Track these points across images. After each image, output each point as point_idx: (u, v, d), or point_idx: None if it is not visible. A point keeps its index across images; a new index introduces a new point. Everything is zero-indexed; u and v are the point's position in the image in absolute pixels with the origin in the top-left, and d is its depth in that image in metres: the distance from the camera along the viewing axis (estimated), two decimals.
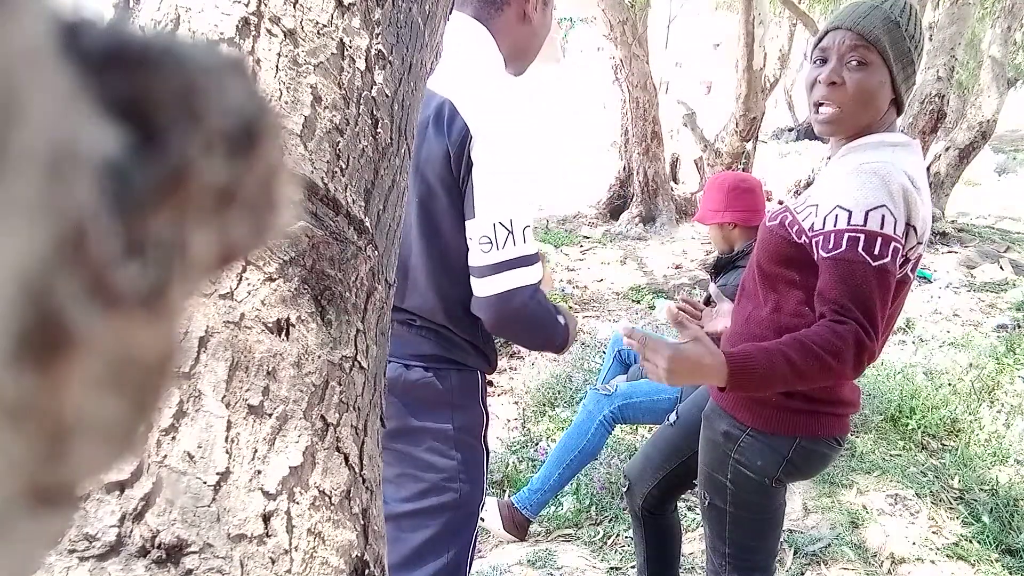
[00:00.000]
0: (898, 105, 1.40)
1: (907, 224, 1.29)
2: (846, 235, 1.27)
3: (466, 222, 1.26)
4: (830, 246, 1.29)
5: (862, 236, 1.25)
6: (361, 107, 0.69)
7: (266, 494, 0.60)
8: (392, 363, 1.34)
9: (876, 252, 1.25)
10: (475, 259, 1.25)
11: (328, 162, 0.66)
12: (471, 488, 1.41)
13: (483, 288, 1.26)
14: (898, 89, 1.38)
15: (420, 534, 1.38)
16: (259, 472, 0.60)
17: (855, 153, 1.37)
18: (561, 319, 1.38)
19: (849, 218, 1.27)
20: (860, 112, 1.38)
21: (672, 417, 1.95)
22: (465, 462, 1.40)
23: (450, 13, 0.87)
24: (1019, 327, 4.60)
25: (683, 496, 2.32)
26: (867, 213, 1.26)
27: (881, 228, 1.25)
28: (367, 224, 0.70)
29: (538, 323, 1.32)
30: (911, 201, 1.28)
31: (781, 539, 2.48)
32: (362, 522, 0.68)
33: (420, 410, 1.37)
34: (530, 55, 1.44)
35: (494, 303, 1.26)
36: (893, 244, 1.25)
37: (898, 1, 1.36)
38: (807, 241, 1.35)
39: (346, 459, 0.66)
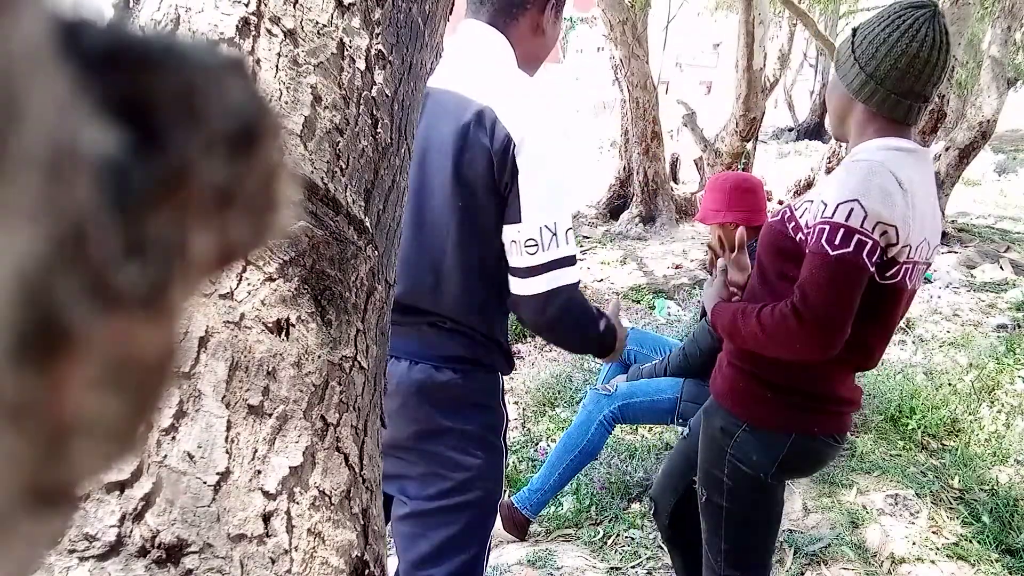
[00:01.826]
0: (891, 113, 1.38)
1: (882, 223, 1.29)
2: (817, 228, 1.32)
3: (507, 225, 1.30)
4: (809, 239, 1.35)
5: (827, 228, 1.30)
6: (361, 107, 0.69)
7: (266, 494, 0.60)
8: (421, 364, 1.38)
9: (836, 243, 1.28)
10: (519, 260, 1.30)
11: (328, 162, 0.66)
12: (493, 486, 1.45)
13: (527, 287, 1.30)
14: (868, 102, 1.39)
15: (444, 531, 1.41)
16: (259, 472, 0.60)
17: (858, 154, 1.40)
18: (603, 322, 1.42)
19: (823, 211, 1.32)
20: (833, 119, 1.49)
21: (684, 431, 1.97)
22: (488, 461, 1.43)
23: (450, 14, 0.87)
24: (1019, 327, 4.60)
25: None
26: (838, 206, 1.30)
27: (846, 220, 1.28)
28: (367, 224, 0.70)
29: (580, 321, 1.37)
30: (892, 202, 1.29)
31: (781, 539, 2.48)
32: (362, 522, 0.68)
33: (448, 410, 1.40)
34: (537, 66, 1.47)
35: (538, 303, 1.31)
36: (857, 236, 1.28)
37: (888, 11, 1.37)
38: (803, 238, 1.38)
39: (346, 459, 0.67)
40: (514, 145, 1.27)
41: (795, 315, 1.30)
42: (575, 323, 1.37)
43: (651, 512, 2.05)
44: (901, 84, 1.35)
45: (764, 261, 1.49)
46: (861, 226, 1.28)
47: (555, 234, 1.28)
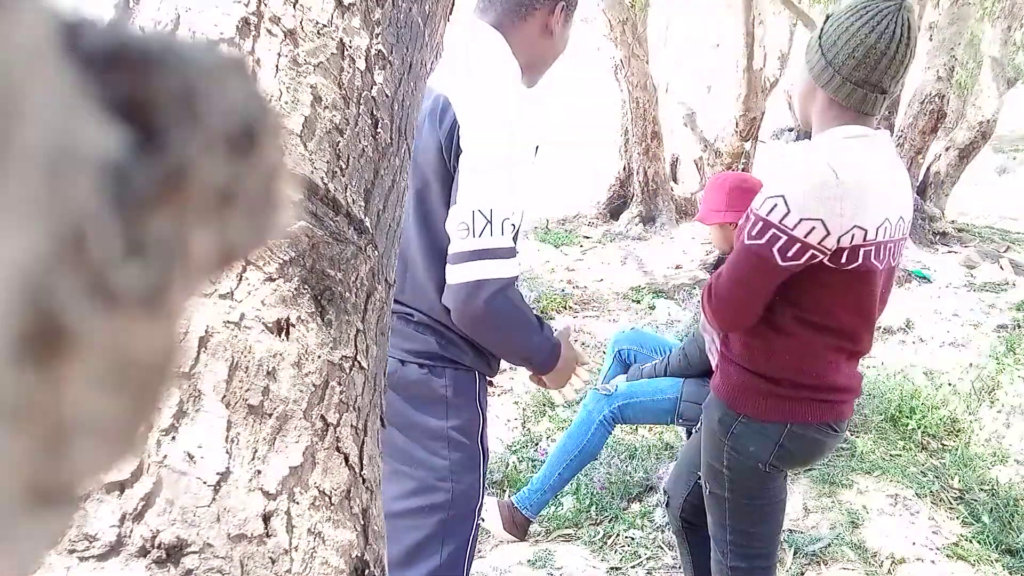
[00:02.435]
0: (847, 101, 1.41)
1: (806, 219, 1.32)
2: (747, 215, 1.41)
3: (449, 209, 1.26)
4: None
5: (752, 218, 1.38)
6: (361, 107, 0.69)
7: (266, 494, 0.60)
8: (388, 357, 1.34)
9: (753, 233, 1.36)
10: (452, 246, 1.24)
11: (328, 162, 0.66)
12: (464, 489, 1.39)
13: (453, 276, 1.24)
14: (826, 88, 1.42)
15: (413, 535, 1.37)
16: (259, 472, 0.60)
17: (809, 147, 1.45)
18: (543, 334, 1.35)
19: (755, 201, 1.40)
20: (797, 105, 1.54)
21: (695, 427, 1.98)
22: (458, 462, 1.39)
23: (450, 14, 0.87)
24: (1019, 327, 4.60)
25: None
26: (765, 199, 1.37)
27: (767, 215, 1.35)
28: (367, 224, 0.70)
29: (507, 322, 1.28)
30: (820, 196, 1.32)
31: (782, 537, 2.48)
32: (362, 522, 0.68)
33: (415, 407, 1.37)
34: (544, 67, 1.47)
35: (461, 292, 1.23)
36: (772, 231, 1.34)
37: (858, 2, 1.39)
38: None
39: (346, 459, 0.67)
40: (458, 127, 1.24)
41: (709, 291, 1.43)
42: (501, 323, 1.28)
43: (664, 504, 2.06)
44: (856, 73, 1.37)
45: None
46: (780, 222, 1.33)
47: (489, 221, 1.21)
